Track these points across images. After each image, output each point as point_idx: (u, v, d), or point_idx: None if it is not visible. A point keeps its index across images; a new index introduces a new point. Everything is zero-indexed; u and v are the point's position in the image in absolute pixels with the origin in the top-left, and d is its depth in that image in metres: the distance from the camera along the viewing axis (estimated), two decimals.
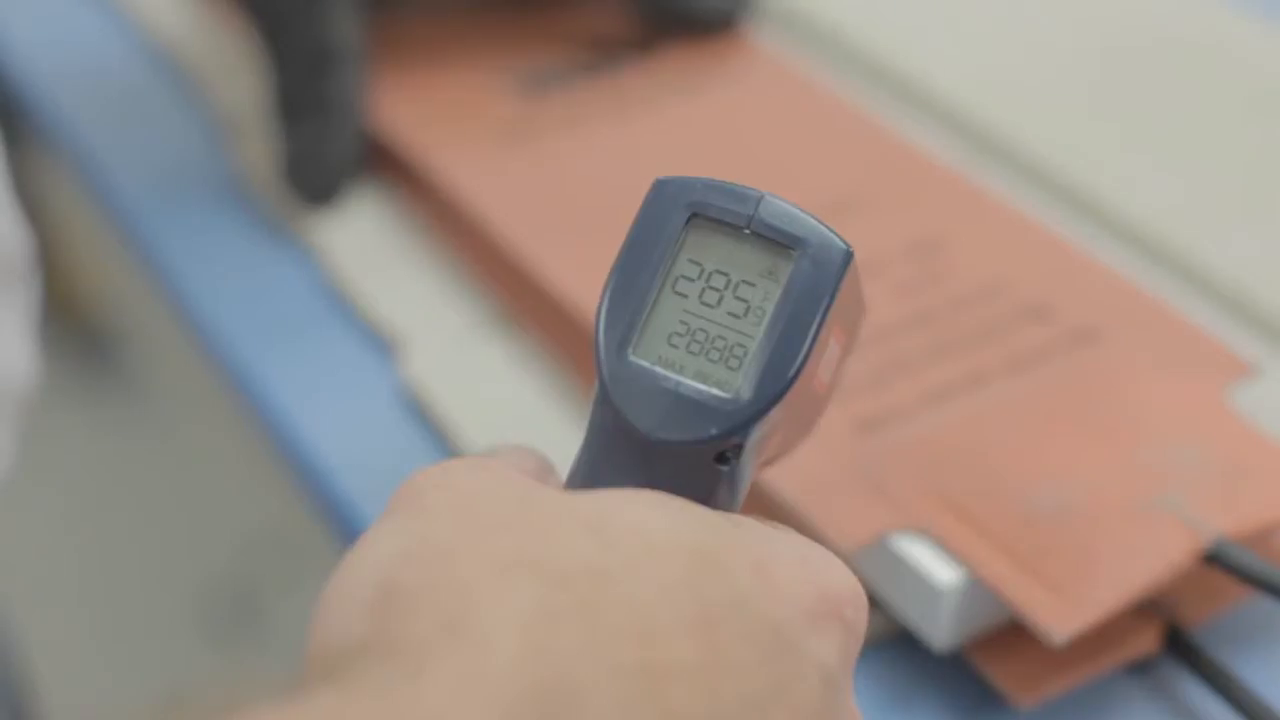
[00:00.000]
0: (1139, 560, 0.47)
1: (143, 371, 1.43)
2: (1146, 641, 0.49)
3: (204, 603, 1.36)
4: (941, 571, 0.48)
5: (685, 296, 0.39)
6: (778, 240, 0.38)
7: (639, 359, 0.38)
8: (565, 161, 0.67)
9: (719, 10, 0.74)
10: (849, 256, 0.38)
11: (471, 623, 0.31)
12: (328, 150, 0.68)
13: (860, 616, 0.36)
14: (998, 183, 0.66)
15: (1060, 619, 0.46)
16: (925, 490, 0.50)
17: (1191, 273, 0.61)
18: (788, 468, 0.50)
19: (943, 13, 0.78)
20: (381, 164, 0.70)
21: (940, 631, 0.48)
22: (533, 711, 0.30)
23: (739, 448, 0.38)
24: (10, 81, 0.82)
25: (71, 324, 1.62)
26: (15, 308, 0.55)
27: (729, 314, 0.38)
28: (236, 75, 0.77)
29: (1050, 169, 0.67)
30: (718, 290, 0.39)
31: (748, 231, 0.39)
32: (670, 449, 0.38)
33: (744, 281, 0.39)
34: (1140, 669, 0.50)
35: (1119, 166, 0.67)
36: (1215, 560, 0.48)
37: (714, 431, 0.38)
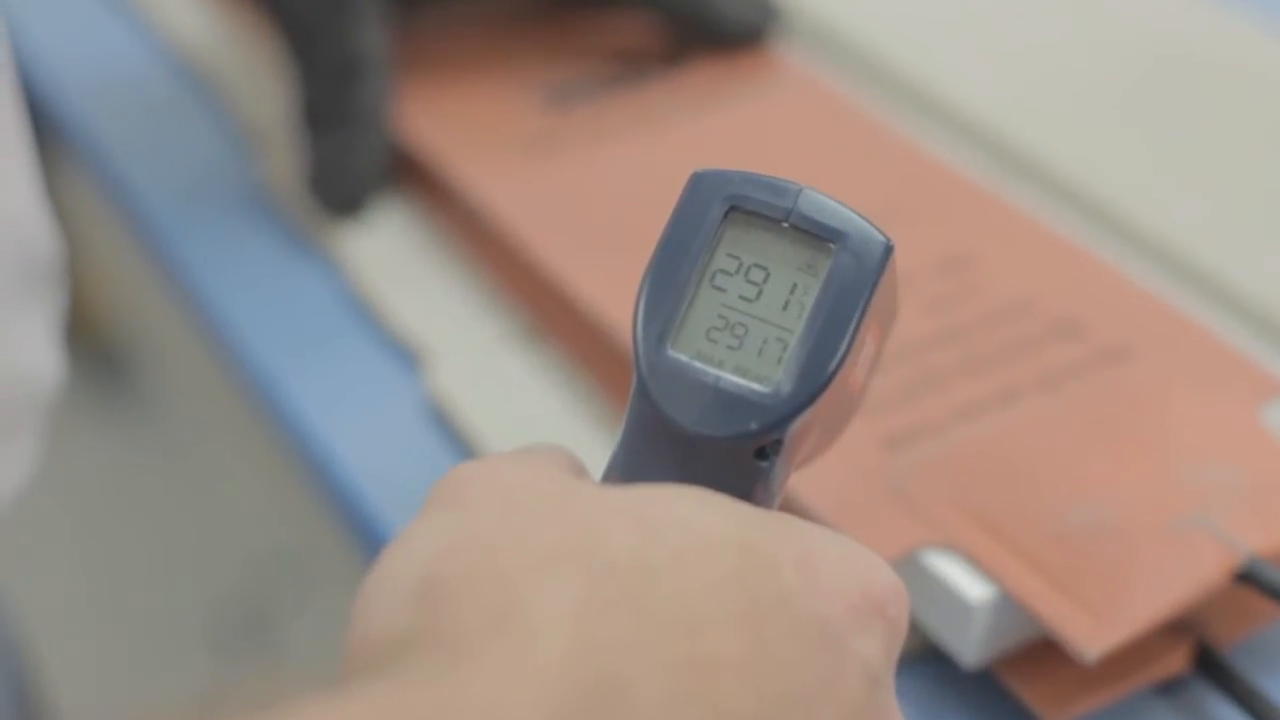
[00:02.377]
0: (1171, 578, 0.47)
1: (158, 388, 1.42)
2: (1177, 660, 0.48)
3: (214, 621, 1.35)
4: (972, 588, 0.47)
5: (724, 291, 0.38)
6: (817, 234, 0.38)
7: (678, 353, 0.38)
8: (591, 175, 0.67)
9: (747, 24, 0.74)
10: (889, 250, 0.38)
11: (518, 615, 0.31)
12: (353, 161, 0.68)
13: (902, 614, 0.36)
14: (1027, 200, 0.66)
15: (1091, 636, 0.46)
16: (955, 506, 0.49)
17: (1222, 292, 0.61)
18: (818, 483, 0.50)
19: (971, 29, 0.78)
20: (407, 175, 0.70)
21: (970, 648, 0.48)
22: (583, 703, 0.30)
23: (779, 443, 0.38)
24: (36, 93, 0.82)
25: (89, 339, 1.62)
26: (44, 311, 0.55)
27: (768, 308, 0.38)
28: (262, 86, 0.77)
29: (1080, 187, 0.66)
30: (756, 284, 0.38)
31: (786, 225, 0.38)
32: (709, 444, 0.38)
33: (783, 275, 0.38)
34: (1170, 688, 0.49)
35: (1149, 185, 0.66)
36: (1247, 579, 0.47)
37: (754, 426, 0.37)
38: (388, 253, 0.67)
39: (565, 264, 0.61)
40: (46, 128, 0.82)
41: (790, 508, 0.50)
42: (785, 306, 0.38)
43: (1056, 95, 0.73)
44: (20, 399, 0.53)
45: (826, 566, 0.35)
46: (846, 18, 0.79)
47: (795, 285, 0.38)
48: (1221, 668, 0.48)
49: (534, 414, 0.59)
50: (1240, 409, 0.53)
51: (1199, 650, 0.49)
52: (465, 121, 0.70)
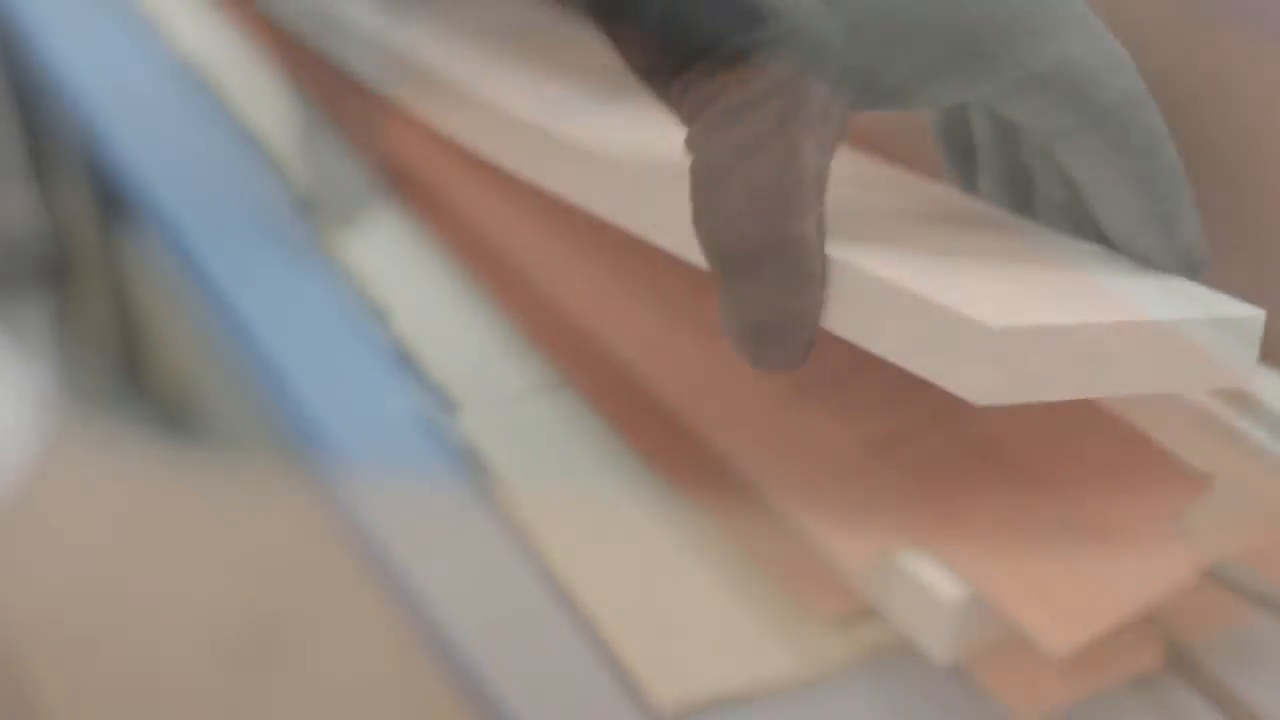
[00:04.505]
0: (1140, 578, 0.48)
1: (229, 441, 1.44)
2: (1149, 657, 0.49)
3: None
4: (944, 587, 0.48)
5: None
6: None
7: None
8: None
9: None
10: None
11: None
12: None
13: None
14: None
15: (1057, 636, 0.46)
16: (929, 507, 0.51)
17: None
18: (794, 482, 0.51)
19: None
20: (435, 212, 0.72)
21: (942, 646, 0.49)
22: None
23: None
24: (69, 117, 0.85)
25: (162, 395, 1.64)
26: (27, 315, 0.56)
27: None
28: (279, 107, 0.80)
29: None
30: None
31: None
32: None
33: None
34: (1143, 685, 0.50)
35: None
36: (1217, 578, 0.48)
37: None
38: (422, 300, 0.69)
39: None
40: (115, 191, 0.84)
41: (766, 506, 0.52)
42: None
43: None
44: None
45: None
46: None
47: None
48: (1193, 665, 0.49)
49: (562, 455, 0.61)
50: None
51: (1171, 648, 0.49)
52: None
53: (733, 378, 0.59)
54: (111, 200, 0.84)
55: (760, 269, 0.49)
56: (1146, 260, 0.54)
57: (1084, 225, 0.57)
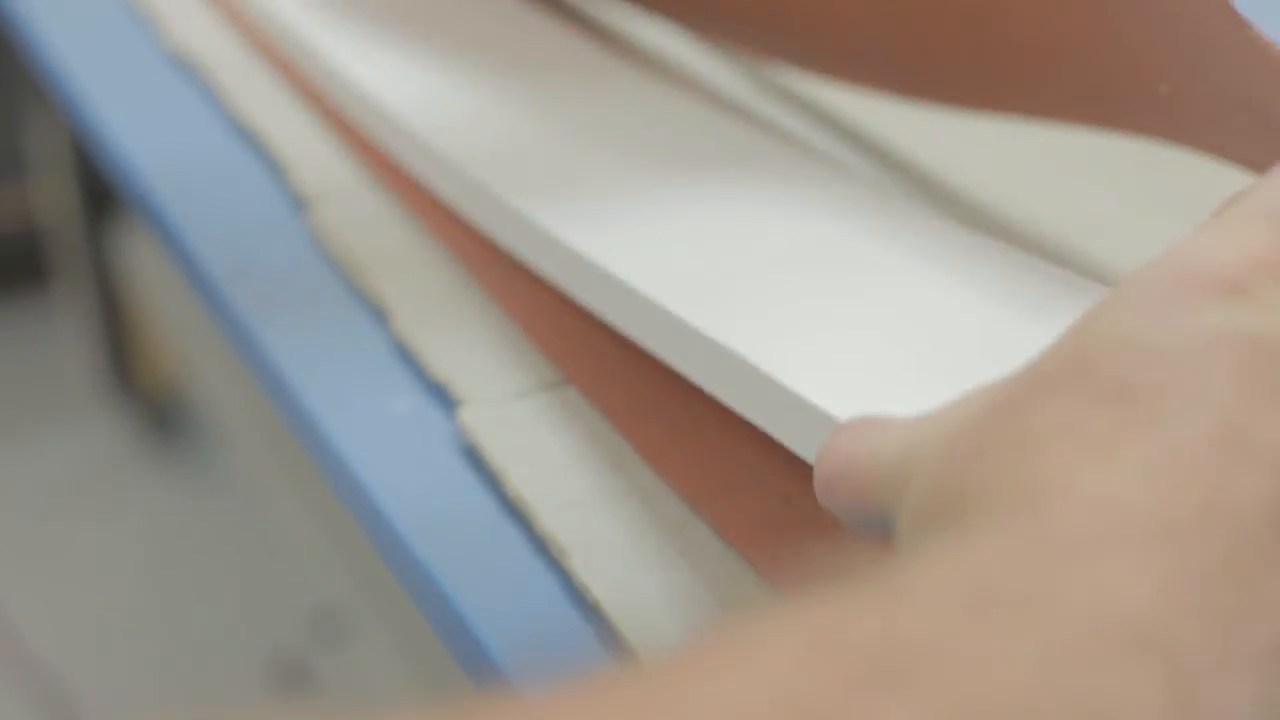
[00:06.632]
0: None
1: (219, 441, 1.44)
2: None
3: (268, 676, 1.36)
4: None
5: None
6: None
7: None
8: None
9: None
10: None
11: None
12: None
13: None
14: None
15: None
16: None
17: None
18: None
19: None
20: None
21: None
22: None
23: None
24: (106, 159, 0.85)
25: (150, 394, 1.64)
26: None
27: None
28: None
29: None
30: None
31: None
32: None
33: None
34: None
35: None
36: None
37: None
38: (428, 302, 0.69)
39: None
40: (118, 194, 0.85)
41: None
42: None
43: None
44: None
45: None
46: None
47: None
48: None
49: (563, 453, 0.61)
50: None
51: None
52: None
53: None
54: (102, 195, 0.84)
55: None
56: None
57: None
